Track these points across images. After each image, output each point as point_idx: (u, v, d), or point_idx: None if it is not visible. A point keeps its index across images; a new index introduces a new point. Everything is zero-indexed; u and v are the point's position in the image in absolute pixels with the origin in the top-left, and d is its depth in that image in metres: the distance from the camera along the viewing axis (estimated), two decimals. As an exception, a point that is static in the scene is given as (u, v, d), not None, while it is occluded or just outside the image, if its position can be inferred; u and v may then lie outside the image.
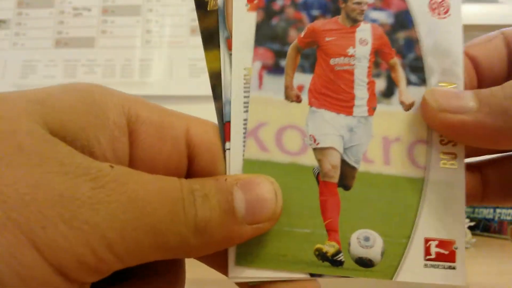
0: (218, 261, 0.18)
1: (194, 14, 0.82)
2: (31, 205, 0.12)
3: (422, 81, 0.18)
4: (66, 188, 0.13)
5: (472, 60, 0.20)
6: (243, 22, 0.17)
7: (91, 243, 0.13)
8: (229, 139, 0.17)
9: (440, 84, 0.18)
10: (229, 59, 0.17)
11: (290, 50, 0.17)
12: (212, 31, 0.17)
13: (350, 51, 0.17)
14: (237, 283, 0.18)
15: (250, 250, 0.17)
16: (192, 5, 0.81)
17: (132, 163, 0.16)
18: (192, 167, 0.18)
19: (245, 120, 0.17)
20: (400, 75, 0.18)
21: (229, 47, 0.17)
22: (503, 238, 0.53)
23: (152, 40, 0.80)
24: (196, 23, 0.74)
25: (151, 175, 0.15)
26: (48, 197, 0.13)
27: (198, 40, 0.77)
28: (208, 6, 0.17)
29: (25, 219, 0.12)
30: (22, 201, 0.12)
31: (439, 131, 0.17)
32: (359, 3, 0.17)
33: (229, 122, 0.17)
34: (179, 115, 0.18)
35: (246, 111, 0.17)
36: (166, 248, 0.14)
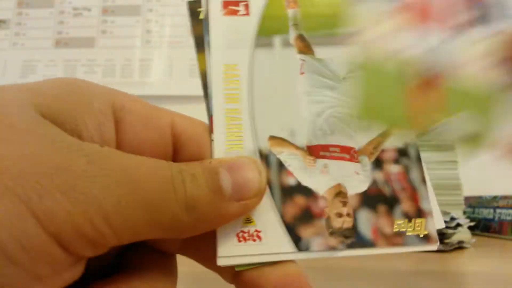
0: (208, 256, 0.18)
1: (194, 14, 0.82)
2: (28, 175, 0.12)
3: None
4: (61, 161, 0.13)
5: None
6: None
7: (88, 213, 0.13)
8: (212, 131, 0.19)
9: None
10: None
11: None
12: (202, 37, 0.20)
13: None
14: (223, 269, 0.18)
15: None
16: (192, 5, 0.81)
17: (119, 149, 0.16)
18: (177, 157, 0.18)
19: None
20: None
21: None
22: (503, 238, 0.53)
23: (152, 40, 0.80)
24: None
25: (139, 156, 0.15)
26: (44, 169, 0.13)
27: (198, 40, 0.75)
28: (200, 15, 0.20)
29: (23, 189, 0.12)
30: (19, 172, 0.12)
31: None
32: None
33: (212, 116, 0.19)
34: (164, 109, 0.20)
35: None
36: (159, 225, 0.15)
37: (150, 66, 0.79)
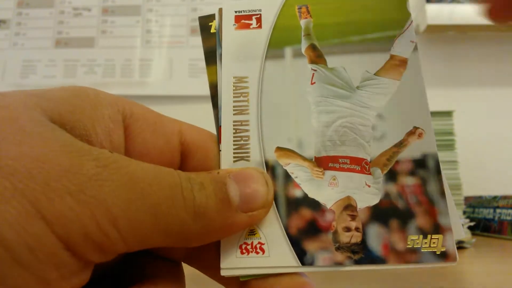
0: (211, 266, 0.18)
1: (194, 14, 0.82)
2: (38, 177, 0.12)
3: None
4: (71, 164, 0.13)
5: None
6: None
7: (97, 217, 0.13)
8: (220, 142, 0.19)
9: None
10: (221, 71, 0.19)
11: None
12: (212, 50, 0.20)
13: None
14: (228, 280, 0.18)
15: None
16: (192, 5, 0.82)
17: (128, 156, 0.16)
18: (185, 166, 0.18)
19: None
20: None
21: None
22: (503, 238, 0.53)
23: (152, 40, 0.80)
24: (196, 23, 0.74)
25: (148, 163, 0.15)
26: (54, 171, 0.13)
27: (198, 40, 0.77)
28: (211, 29, 0.20)
29: (32, 190, 0.12)
30: (29, 174, 0.12)
31: None
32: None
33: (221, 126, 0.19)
34: (171, 118, 0.20)
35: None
36: (167, 232, 0.15)
37: (150, 66, 0.79)
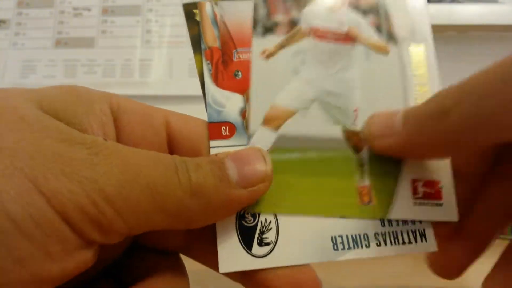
0: (211, 257, 0.18)
1: (194, 14, 0.81)
2: (35, 159, 0.13)
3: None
4: (64, 151, 0.14)
5: None
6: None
7: (91, 195, 0.14)
8: (212, 138, 0.19)
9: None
10: (207, 67, 0.20)
11: None
12: (198, 38, 0.20)
13: None
14: (228, 274, 0.18)
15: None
16: (192, 5, 0.81)
17: None
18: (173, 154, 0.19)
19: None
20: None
21: (207, 57, 0.20)
22: (503, 238, 0.53)
23: (152, 40, 0.80)
24: (196, 23, 0.72)
25: (141, 149, 0.16)
26: (49, 154, 0.14)
27: (198, 40, 0.75)
28: (196, 16, 0.20)
29: (30, 169, 0.13)
30: (27, 155, 0.13)
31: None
32: None
33: (211, 123, 0.19)
34: (158, 108, 0.20)
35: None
36: (166, 212, 0.15)
37: (150, 66, 0.79)
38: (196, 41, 0.20)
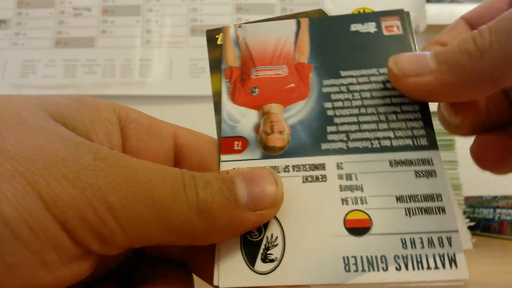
0: (206, 271, 0.18)
1: (194, 14, 0.82)
2: (36, 162, 0.13)
3: None
4: (68, 154, 0.13)
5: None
6: None
7: (93, 203, 0.13)
8: (224, 152, 0.18)
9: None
10: (225, 85, 0.20)
11: None
12: (219, 60, 0.21)
13: None
14: None
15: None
16: (192, 5, 0.81)
17: None
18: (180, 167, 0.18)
19: None
20: None
21: (226, 76, 0.20)
22: (503, 238, 0.53)
23: (152, 40, 0.80)
24: (197, 23, 0.73)
25: (148, 161, 0.15)
26: (52, 158, 0.13)
27: (198, 40, 0.77)
28: (218, 41, 0.21)
29: (31, 173, 0.12)
30: (28, 159, 0.13)
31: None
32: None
33: (224, 137, 0.19)
34: (167, 122, 0.20)
35: None
36: (170, 228, 0.14)
37: (150, 66, 0.79)
38: (216, 63, 0.21)
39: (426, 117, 0.18)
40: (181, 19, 0.81)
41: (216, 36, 0.21)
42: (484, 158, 0.21)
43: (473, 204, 0.61)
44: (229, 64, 0.21)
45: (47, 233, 0.12)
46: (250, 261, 0.16)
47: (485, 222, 0.57)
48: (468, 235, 0.17)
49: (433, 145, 0.18)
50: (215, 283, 0.16)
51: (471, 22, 0.22)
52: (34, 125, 0.14)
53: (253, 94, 0.20)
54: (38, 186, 0.12)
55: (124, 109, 0.18)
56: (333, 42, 0.20)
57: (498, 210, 0.55)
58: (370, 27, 0.20)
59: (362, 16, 0.21)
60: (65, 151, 0.13)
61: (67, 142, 0.14)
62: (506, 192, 0.58)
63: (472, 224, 0.52)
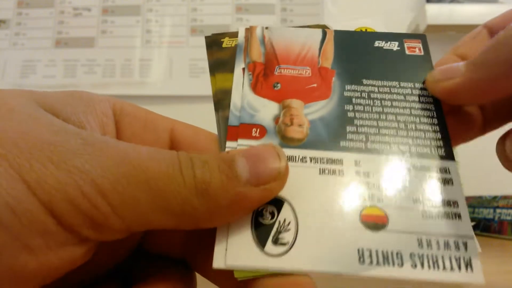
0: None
1: (194, 14, 0.82)
2: (21, 147, 0.12)
3: None
4: (55, 139, 0.13)
5: (462, 59, 0.22)
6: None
7: (81, 186, 0.12)
8: (241, 137, 0.18)
9: None
10: (247, 77, 0.21)
11: None
12: (224, 60, 0.22)
13: None
14: (224, 281, 0.17)
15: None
16: (192, 5, 0.81)
17: None
18: None
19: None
20: None
21: (249, 69, 0.21)
22: (503, 238, 0.53)
23: (152, 40, 0.80)
24: (197, 23, 0.73)
25: (141, 145, 0.15)
26: (37, 142, 0.13)
27: (198, 40, 0.77)
28: (223, 44, 0.22)
29: (14, 156, 0.12)
30: (13, 143, 0.12)
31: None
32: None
33: (242, 123, 0.19)
34: (164, 116, 0.19)
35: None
36: (170, 211, 0.14)
37: (150, 66, 0.79)
38: (221, 63, 0.21)
39: (443, 130, 0.19)
40: (181, 19, 0.81)
41: (221, 40, 0.22)
42: None
43: (473, 204, 0.62)
44: (253, 59, 0.21)
45: (31, 218, 0.12)
46: (261, 242, 0.16)
47: (485, 222, 0.57)
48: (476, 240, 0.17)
49: (450, 156, 0.18)
50: (214, 264, 0.15)
51: (492, 30, 0.23)
52: (22, 112, 0.13)
53: (275, 88, 0.20)
54: (21, 170, 0.12)
55: (119, 102, 0.18)
56: (356, 53, 0.22)
57: (498, 210, 0.55)
58: (393, 46, 0.22)
59: (387, 35, 0.22)
60: (52, 136, 0.13)
61: (56, 128, 0.13)
62: (506, 192, 0.58)
63: (472, 224, 0.52)
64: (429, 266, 0.16)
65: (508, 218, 0.53)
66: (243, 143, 0.18)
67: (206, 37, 0.22)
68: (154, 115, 0.19)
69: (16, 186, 0.12)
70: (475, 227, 0.58)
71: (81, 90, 0.17)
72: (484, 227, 0.57)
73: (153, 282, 0.17)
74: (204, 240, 0.18)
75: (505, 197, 0.55)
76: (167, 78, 0.78)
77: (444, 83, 0.19)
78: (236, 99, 0.20)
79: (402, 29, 0.22)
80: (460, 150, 0.53)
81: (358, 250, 0.16)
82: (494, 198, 0.57)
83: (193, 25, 0.80)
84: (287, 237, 0.16)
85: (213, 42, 0.22)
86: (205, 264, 0.18)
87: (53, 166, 0.12)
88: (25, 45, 0.80)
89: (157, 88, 0.77)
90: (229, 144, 0.18)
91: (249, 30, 0.23)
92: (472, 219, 0.58)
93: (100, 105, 0.17)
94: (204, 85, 0.76)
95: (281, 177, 0.16)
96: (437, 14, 0.72)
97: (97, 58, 0.79)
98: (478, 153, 0.75)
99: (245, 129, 0.19)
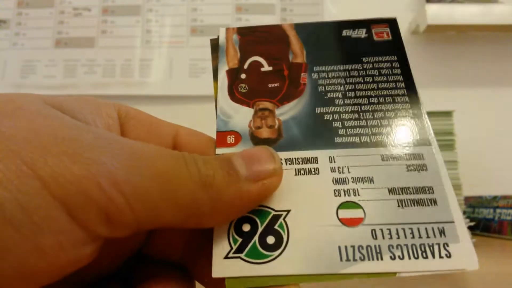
0: (203, 272, 0.18)
1: (194, 14, 0.82)
2: (34, 142, 0.12)
3: None
4: (68, 134, 0.13)
5: None
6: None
7: (97, 178, 0.12)
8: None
9: None
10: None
11: None
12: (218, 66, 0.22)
13: None
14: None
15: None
16: (192, 5, 0.81)
17: None
18: None
19: None
20: None
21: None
22: (503, 238, 0.53)
23: (152, 40, 0.80)
24: (197, 23, 0.73)
25: (148, 143, 0.15)
26: (51, 138, 0.12)
27: (198, 40, 0.77)
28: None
29: (27, 152, 0.12)
30: (25, 139, 0.12)
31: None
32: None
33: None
34: (168, 122, 0.20)
35: None
36: (177, 203, 0.14)
37: (150, 66, 0.79)
38: (217, 69, 0.22)
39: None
40: (181, 19, 0.81)
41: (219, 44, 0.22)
42: None
43: (473, 204, 0.62)
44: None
45: (44, 215, 0.12)
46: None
47: (485, 222, 0.57)
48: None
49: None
50: (214, 274, 0.16)
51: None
52: (31, 109, 0.13)
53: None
54: (35, 165, 0.12)
55: (124, 107, 0.19)
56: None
57: (498, 210, 0.55)
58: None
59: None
60: (64, 130, 0.13)
61: (66, 124, 0.13)
62: (506, 192, 0.58)
63: (472, 224, 0.52)
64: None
65: (508, 218, 0.53)
66: (220, 152, 0.18)
67: (212, 40, 0.22)
68: (158, 121, 0.19)
69: (29, 183, 0.12)
70: (475, 227, 0.58)
71: (87, 96, 0.18)
72: (484, 227, 0.57)
73: (153, 285, 0.17)
74: (203, 250, 0.18)
75: (505, 197, 0.55)
76: (167, 78, 0.78)
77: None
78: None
79: (402, 29, 0.22)
80: (460, 150, 0.53)
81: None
82: (494, 198, 0.57)
83: (193, 25, 0.80)
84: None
85: (214, 47, 0.22)
86: (203, 272, 0.18)
87: (68, 159, 0.12)
88: (25, 45, 0.80)
89: (157, 88, 0.77)
90: (218, 151, 0.18)
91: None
92: (472, 219, 0.58)
93: (105, 108, 0.17)
94: (204, 85, 0.76)
95: (277, 173, 0.16)
96: (437, 14, 0.72)
97: (97, 58, 0.79)
98: (478, 153, 0.75)
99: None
